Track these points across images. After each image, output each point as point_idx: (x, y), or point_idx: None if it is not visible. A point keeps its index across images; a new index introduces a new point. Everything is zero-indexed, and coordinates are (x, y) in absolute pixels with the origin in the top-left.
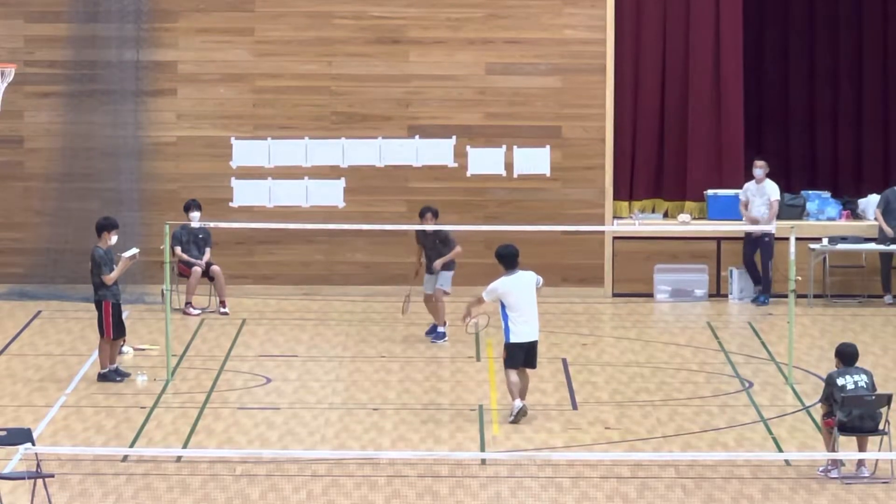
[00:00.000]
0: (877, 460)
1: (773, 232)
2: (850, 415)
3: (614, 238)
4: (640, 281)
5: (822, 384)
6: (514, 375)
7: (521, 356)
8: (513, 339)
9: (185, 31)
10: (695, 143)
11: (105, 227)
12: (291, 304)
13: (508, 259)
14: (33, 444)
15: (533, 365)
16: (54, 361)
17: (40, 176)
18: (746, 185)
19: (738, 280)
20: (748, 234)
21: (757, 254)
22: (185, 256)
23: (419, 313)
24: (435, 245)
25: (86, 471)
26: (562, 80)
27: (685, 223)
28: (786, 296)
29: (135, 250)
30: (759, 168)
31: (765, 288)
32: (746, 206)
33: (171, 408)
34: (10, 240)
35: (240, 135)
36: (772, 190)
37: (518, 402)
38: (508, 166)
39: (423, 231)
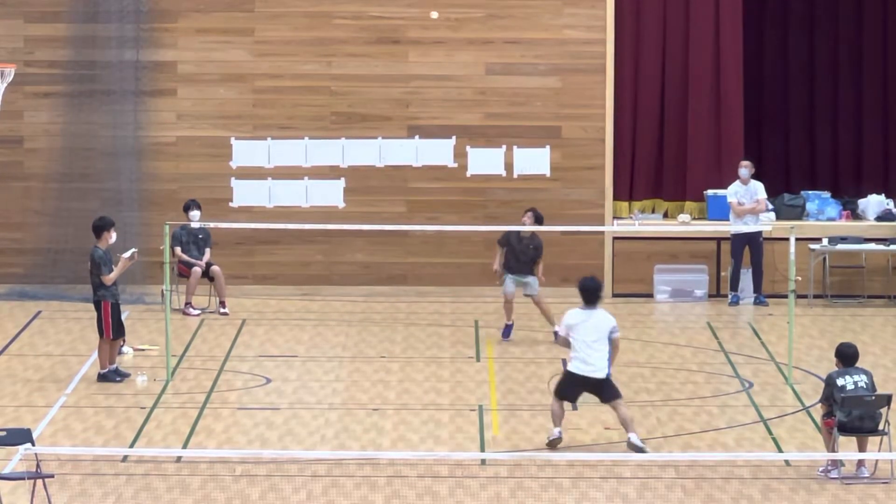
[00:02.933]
0: (877, 460)
1: (762, 231)
2: (849, 415)
3: (614, 238)
4: (640, 281)
5: (822, 384)
6: (556, 403)
7: (570, 388)
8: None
9: (184, 31)
10: (695, 143)
11: (103, 227)
12: (291, 304)
13: (589, 293)
14: (33, 445)
15: (602, 399)
16: (54, 361)
17: (40, 176)
18: (734, 188)
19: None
20: (739, 233)
21: (746, 252)
22: (185, 257)
23: (418, 313)
24: (528, 250)
25: (86, 471)
26: (562, 80)
27: (685, 223)
28: (785, 296)
29: (133, 250)
30: (745, 168)
31: (757, 286)
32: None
33: (170, 408)
34: (10, 240)
35: (240, 135)
36: (759, 189)
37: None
38: (508, 166)
39: (518, 235)
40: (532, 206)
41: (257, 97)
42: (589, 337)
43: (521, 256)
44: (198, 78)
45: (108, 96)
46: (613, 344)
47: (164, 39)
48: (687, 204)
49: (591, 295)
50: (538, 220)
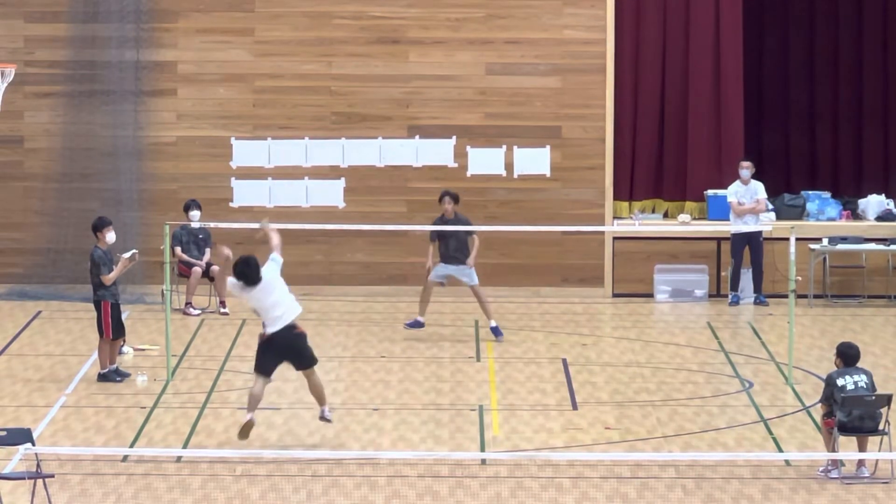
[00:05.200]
0: (877, 460)
1: (762, 230)
2: (850, 415)
3: (614, 238)
4: (640, 281)
5: (822, 384)
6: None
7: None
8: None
9: (185, 31)
10: (695, 143)
11: (98, 226)
12: None
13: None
14: (33, 444)
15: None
16: (54, 361)
17: (40, 176)
18: (734, 188)
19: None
20: (739, 233)
21: (746, 252)
22: (185, 257)
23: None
24: (457, 233)
25: (86, 471)
26: (562, 80)
27: (685, 223)
28: (786, 296)
29: (134, 251)
30: (746, 169)
31: (757, 286)
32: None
33: (171, 408)
34: (10, 240)
35: (240, 135)
36: (759, 189)
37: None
38: (508, 166)
39: (443, 220)
40: (446, 189)
41: (257, 97)
42: (266, 302)
43: (452, 242)
44: (198, 78)
45: (108, 96)
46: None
47: (164, 39)
48: (687, 204)
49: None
50: (457, 201)
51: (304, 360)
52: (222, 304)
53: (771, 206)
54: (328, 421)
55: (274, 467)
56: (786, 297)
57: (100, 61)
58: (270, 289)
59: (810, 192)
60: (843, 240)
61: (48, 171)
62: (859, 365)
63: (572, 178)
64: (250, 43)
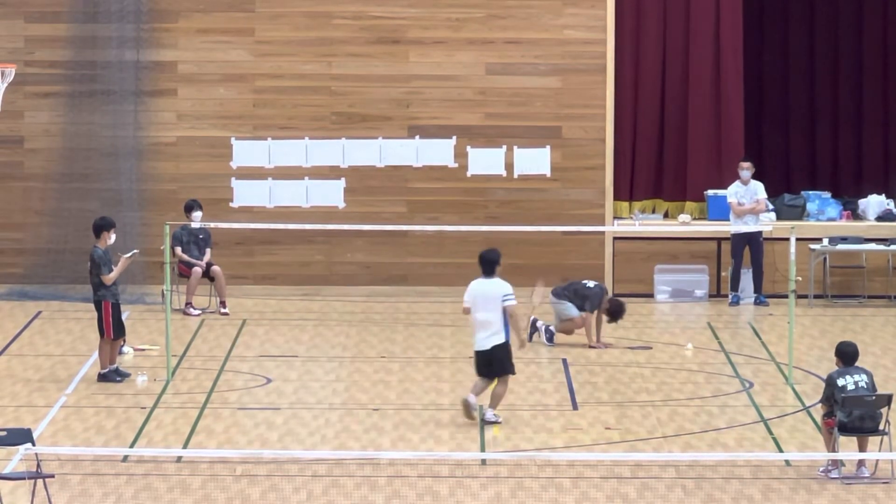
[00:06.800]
0: (877, 460)
1: (762, 231)
2: (850, 415)
3: (614, 238)
4: (640, 281)
5: (822, 384)
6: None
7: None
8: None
9: (185, 31)
10: (695, 143)
11: (103, 227)
12: (291, 305)
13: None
14: (33, 445)
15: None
16: (54, 362)
17: (40, 176)
18: (734, 188)
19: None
20: (739, 233)
21: (746, 252)
22: (185, 257)
23: (419, 313)
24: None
25: (86, 471)
26: (562, 80)
27: (685, 223)
28: (786, 296)
29: (134, 251)
30: (746, 170)
31: (757, 287)
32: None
33: (171, 408)
34: (10, 240)
35: (240, 135)
36: (759, 189)
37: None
38: (508, 166)
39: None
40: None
41: (257, 97)
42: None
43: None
44: (198, 78)
45: (108, 96)
46: (507, 312)
47: (164, 39)
48: (687, 204)
49: (488, 265)
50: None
51: (491, 370)
52: (222, 304)
53: (771, 207)
54: (490, 423)
55: (274, 467)
56: (786, 297)
57: (100, 61)
58: (491, 300)
59: (810, 193)
60: (844, 240)
61: (48, 171)
62: (859, 365)
63: (572, 178)
64: (250, 43)
